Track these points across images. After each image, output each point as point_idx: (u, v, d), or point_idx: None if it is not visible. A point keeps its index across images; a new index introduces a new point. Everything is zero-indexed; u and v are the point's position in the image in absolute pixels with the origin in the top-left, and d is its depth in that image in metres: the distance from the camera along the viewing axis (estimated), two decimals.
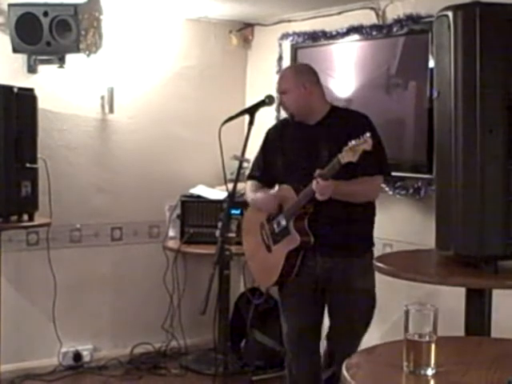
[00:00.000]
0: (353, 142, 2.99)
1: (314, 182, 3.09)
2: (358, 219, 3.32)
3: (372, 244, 3.43)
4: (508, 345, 2.15)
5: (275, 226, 3.36)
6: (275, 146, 3.47)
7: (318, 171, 3.09)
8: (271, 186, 3.51)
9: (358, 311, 3.36)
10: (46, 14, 4.11)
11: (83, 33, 4.14)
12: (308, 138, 3.35)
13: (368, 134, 2.98)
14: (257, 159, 3.59)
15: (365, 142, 2.97)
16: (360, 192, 3.27)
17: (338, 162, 3.02)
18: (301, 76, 3.38)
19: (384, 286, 3.64)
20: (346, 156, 2.99)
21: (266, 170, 3.53)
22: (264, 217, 3.44)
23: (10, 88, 3.94)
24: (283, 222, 3.31)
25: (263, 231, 3.46)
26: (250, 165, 3.61)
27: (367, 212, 3.38)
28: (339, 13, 4.42)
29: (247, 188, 3.60)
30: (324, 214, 3.22)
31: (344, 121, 3.32)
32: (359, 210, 3.30)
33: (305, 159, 3.31)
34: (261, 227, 3.47)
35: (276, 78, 4.78)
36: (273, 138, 3.52)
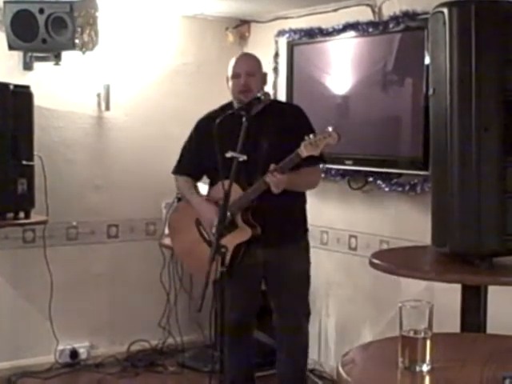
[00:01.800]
0: (312, 137, 3.15)
1: (270, 176, 3.20)
2: (293, 208, 3.49)
3: (307, 230, 3.59)
4: (503, 341, 2.16)
5: (218, 220, 3.25)
6: (209, 138, 3.20)
7: (273, 165, 3.20)
8: (200, 179, 3.62)
9: (294, 284, 3.51)
10: (41, 11, 4.10)
11: (79, 30, 4.13)
12: (246, 130, 3.21)
13: (330, 128, 3.14)
14: (187, 151, 3.63)
15: (329, 136, 3.16)
16: (307, 182, 3.50)
17: (297, 156, 3.18)
18: (262, 67, 3.61)
19: (380, 282, 3.65)
20: (306, 150, 3.16)
21: (197, 163, 3.55)
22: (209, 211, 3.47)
23: (5, 85, 3.94)
24: (228, 216, 3.23)
25: (200, 227, 3.52)
26: (178, 156, 3.66)
27: (300, 200, 3.54)
28: (335, 9, 4.42)
29: (181, 185, 3.67)
30: (263, 205, 3.31)
31: (280, 113, 3.47)
32: (293, 199, 3.44)
33: (243, 152, 3.17)
34: (197, 224, 3.53)
35: (272, 74, 4.83)
36: (206, 129, 3.42)
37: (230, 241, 3.29)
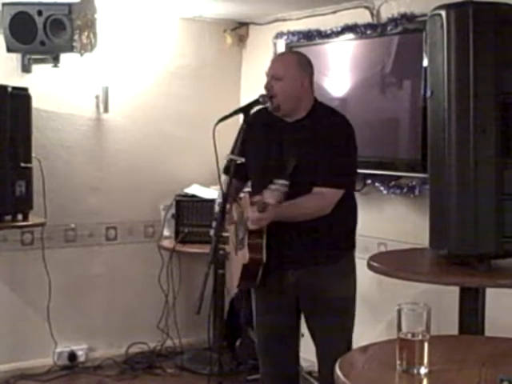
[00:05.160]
0: (274, 184, 2.80)
1: (250, 210, 2.87)
2: (326, 228, 2.99)
3: (347, 249, 3.11)
4: (501, 343, 2.16)
5: (237, 233, 3.14)
6: (250, 138, 3.05)
7: (257, 197, 2.88)
8: (246, 180, 3.25)
9: (333, 322, 3.08)
10: (40, 13, 4.10)
11: (77, 32, 4.13)
12: (282, 138, 3.05)
13: (286, 182, 2.80)
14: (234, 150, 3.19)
15: (277, 191, 2.81)
16: (306, 214, 2.94)
17: (262, 200, 2.82)
18: (302, 70, 3.04)
19: (378, 285, 3.65)
20: (268, 196, 2.81)
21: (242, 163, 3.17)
22: (236, 217, 3.20)
23: (4, 87, 3.94)
24: (241, 234, 3.07)
25: (233, 232, 3.25)
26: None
27: (336, 219, 3.00)
28: (334, 12, 4.43)
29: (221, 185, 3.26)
30: (287, 227, 2.94)
31: (322, 123, 3.02)
32: (327, 218, 2.96)
33: (275, 161, 3.01)
34: (234, 226, 3.25)
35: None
36: (249, 129, 3.06)
37: (240, 256, 3.08)
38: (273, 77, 3.02)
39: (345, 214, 3.06)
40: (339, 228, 3.05)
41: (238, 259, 3.15)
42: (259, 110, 3.12)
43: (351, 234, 3.14)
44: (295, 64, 3.05)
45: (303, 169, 2.91)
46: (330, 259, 3.03)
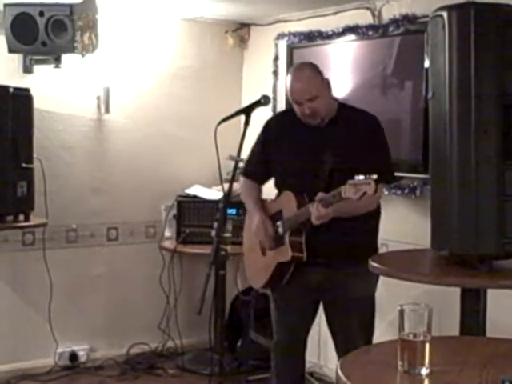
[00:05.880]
0: (357, 178, 2.72)
1: (314, 207, 2.90)
2: (360, 230, 3.13)
3: (376, 249, 3.27)
4: (502, 344, 2.16)
5: (276, 230, 3.19)
6: (277, 140, 3.23)
7: (319, 195, 2.89)
8: (265, 182, 3.38)
9: (356, 322, 3.19)
10: (41, 13, 4.11)
11: (79, 33, 4.13)
12: (314, 140, 3.13)
13: (374, 177, 2.70)
14: (254, 153, 3.35)
15: (368, 185, 2.70)
16: (359, 208, 3.01)
17: (339, 195, 2.78)
18: (320, 78, 3.13)
19: (380, 285, 3.64)
20: (348, 191, 2.73)
21: (263, 165, 3.31)
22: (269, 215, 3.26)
23: (5, 88, 3.94)
24: (280, 231, 3.15)
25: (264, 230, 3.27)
26: (246, 157, 3.38)
27: (370, 222, 3.19)
28: (335, 13, 4.43)
29: (243, 187, 3.42)
30: (324, 228, 2.99)
31: (353, 124, 3.12)
32: (361, 220, 3.09)
33: (307, 162, 3.11)
34: (262, 226, 3.27)
35: (271, 77, 4.83)
36: (274, 131, 3.27)
37: (274, 257, 3.17)
38: (308, 101, 3.07)
39: (371, 216, 3.17)
40: (369, 229, 3.21)
41: (264, 259, 3.23)
42: (281, 113, 3.27)
43: (376, 235, 3.27)
44: (314, 77, 3.12)
45: (340, 169, 2.98)
46: (355, 260, 3.09)
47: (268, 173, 3.34)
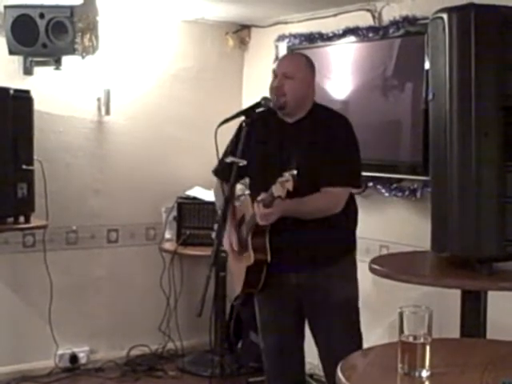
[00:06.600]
0: (283, 176, 2.68)
1: (256, 206, 2.86)
2: (328, 226, 3.01)
3: (347, 250, 3.13)
4: (503, 346, 2.15)
5: (240, 235, 3.12)
6: (246, 140, 3.02)
7: (261, 195, 2.82)
8: (240, 180, 3.23)
9: (336, 324, 3.08)
10: (42, 15, 4.11)
11: (79, 34, 4.13)
12: (281, 139, 3.07)
13: (294, 172, 2.65)
14: (226, 153, 3.19)
15: (287, 181, 2.65)
16: (316, 211, 2.96)
17: (271, 194, 2.74)
18: (310, 71, 3.11)
19: (380, 287, 3.65)
20: (277, 190, 2.70)
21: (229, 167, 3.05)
22: (236, 220, 3.19)
23: (6, 90, 3.94)
24: (244, 235, 3.07)
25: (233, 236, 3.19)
26: (220, 155, 3.19)
27: (339, 217, 3.03)
28: (335, 14, 4.43)
29: (214, 188, 3.33)
30: (288, 226, 2.95)
31: (323, 124, 3.05)
32: (327, 219, 2.99)
33: (274, 162, 3.02)
34: (233, 230, 3.20)
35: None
36: (245, 130, 3.04)
37: (244, 261, 3.07)
38: (283, 75, 3.03)
39: (345, 215, 3.07)
40: (339, 229, 3.07)
41: (240, 264, 3.14)
42: (259, 112, 3.09)
43: (351, 235, 3.16)
44: (304, 64, 3.11)
45: (304, 170, 2.86)
46: (329, 260, 3.04)
47: (243, 171, 3.16)
